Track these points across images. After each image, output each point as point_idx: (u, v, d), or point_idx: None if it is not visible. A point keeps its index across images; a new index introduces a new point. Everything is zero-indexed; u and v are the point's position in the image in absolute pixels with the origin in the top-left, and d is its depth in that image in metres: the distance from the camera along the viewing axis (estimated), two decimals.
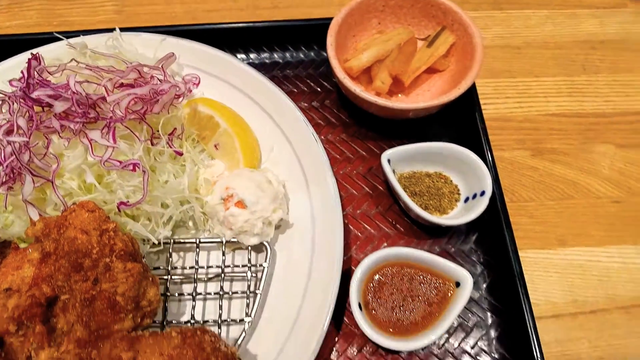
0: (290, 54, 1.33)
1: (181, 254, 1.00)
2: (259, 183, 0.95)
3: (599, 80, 1.33)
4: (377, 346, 0.99)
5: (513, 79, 1.33)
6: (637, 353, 1.02)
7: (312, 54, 1.33)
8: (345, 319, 1.02)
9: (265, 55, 1.32)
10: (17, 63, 1.07)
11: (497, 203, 1.08)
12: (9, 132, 0.82)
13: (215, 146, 1.05)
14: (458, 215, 1.06)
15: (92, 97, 0.86)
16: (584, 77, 1.33)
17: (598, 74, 1.34)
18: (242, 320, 0.91)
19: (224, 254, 0.96)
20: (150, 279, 0.85)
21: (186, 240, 0.97)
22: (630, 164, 1.23)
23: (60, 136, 0.84)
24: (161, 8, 1.42)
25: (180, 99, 1.04)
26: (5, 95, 0.87)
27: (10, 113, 0.84)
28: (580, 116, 1.29)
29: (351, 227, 1.11)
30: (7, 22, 1.40)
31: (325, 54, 1.27)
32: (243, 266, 0.96)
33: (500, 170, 1.18)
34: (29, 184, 0.80)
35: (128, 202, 0.85)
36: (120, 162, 0.84)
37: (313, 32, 1.27)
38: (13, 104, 0.85)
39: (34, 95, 0.82)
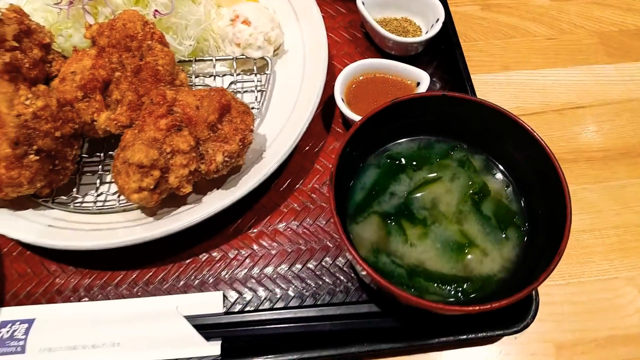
0: None
1: (201, 73, 1.26)
2: (259, 8, 1.21)
3: None
4: None
5: None
6: (566, 141, 1.29)
7: None
8: (333, 125, 1.28)
9: None
10: None
11: (450, 37, 1.35)
12: None
13: None
14: None
15: None
16: None
17: None
18: (253, 108, 1.17)
19: (234, 67, 1.22)
20: (180, 68, 1.11)
21: (205, 58, 1.23)
22: (562, 12, 1.50)
23: None
24: None
25: None
26: None
27: None
28: None
29: (334, 63, 1.38)
30: None
31: None
32: (251, 73, 1.23)
33: (455, 20, 1.44)
34: None
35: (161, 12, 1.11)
36: None
37: None
38: None
39: None
